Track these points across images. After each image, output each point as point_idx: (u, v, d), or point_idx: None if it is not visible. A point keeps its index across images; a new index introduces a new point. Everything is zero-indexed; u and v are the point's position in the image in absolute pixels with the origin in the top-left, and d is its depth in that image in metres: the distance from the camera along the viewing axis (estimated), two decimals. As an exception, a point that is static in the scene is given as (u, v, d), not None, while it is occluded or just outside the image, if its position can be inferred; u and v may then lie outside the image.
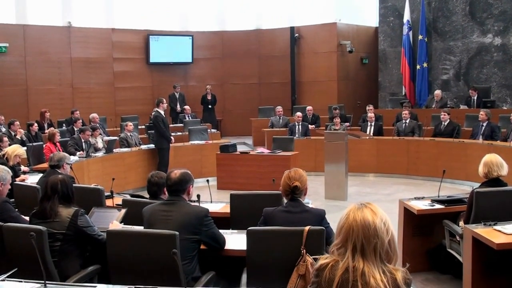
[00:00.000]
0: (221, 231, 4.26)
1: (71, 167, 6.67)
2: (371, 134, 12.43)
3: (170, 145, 11.12)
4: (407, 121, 12.34)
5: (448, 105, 14.40)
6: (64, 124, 13.44)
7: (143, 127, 13.78)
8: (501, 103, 14.83)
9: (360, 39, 17.30)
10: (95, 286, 3.39)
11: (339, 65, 16.84)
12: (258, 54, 17.94)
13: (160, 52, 17.23)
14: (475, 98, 14.01)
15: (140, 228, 4.18)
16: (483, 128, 11.03)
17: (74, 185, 4.64)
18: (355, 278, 2.34)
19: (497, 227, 4.51)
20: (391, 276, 2.35)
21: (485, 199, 4.96)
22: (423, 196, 6.16)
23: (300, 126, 12.88)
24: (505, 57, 14.92)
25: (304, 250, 3.61)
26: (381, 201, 9.27)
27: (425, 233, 6.01)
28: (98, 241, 4.27)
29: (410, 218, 5.92)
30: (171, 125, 12.70)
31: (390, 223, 2.43)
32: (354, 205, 2.47)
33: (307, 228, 3.70)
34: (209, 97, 16.31)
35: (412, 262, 5.83)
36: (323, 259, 2.45)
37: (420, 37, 15.69)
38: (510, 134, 10.53)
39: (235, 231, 4.74)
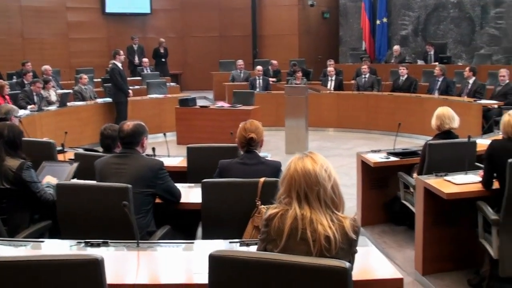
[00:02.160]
0: (177, 184, 4.22)
1: (20, 121, 6.42)
2: (332, 88, 12.46)
3: (128, 99, 10.93)
4: (367, 76, 12.41)
5: (406, 61, 14.51)
6: (14, 77, 12.84)
7: (99, 80, 13.42)
8: (457, 59, 15.02)
9: (321, -8, 17.18)
10: (43, 241, 3.33)
11: (301, 19, 16.72)
12: (219, 6, 17.65)
13: (116, 1, 16.74)
14: (432, 53, 14.15)
15: (92, 182, 4.10)
16: (439, 83, 11.18)
17: (23, 138, 4.48)
18: (304, 226, 2.37)
19: (448, 178, 4.62)
20: (339, 223, 2.39)
21: (437, 151, 5.07)
22: (379, 149, 6.22)
23: (261, 80, 12.81)
24: (461, 13, 15.04)
25: (259, 202, 3.62)
26: (341, 156, 9.39)
27: (381, 185, 6.12)
28: (39, 199, 4.14)
29: (367, 171, 6.01)
30: (129, 78, 12.44)
31: (332, 170, 2.46)
32: (296, 156, 2.50)
33: (262, 179, 3.69)
34: (162, 50, 16.00)
35: (370, 215, 6.04)
36: (272, 209, 2.48)
37: (380, -8, 15.68)
38: (464, 89, 10.70)
39: (192, 184, 4.70)
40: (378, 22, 15.80)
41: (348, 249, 2.39)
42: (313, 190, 2.40)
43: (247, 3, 17.11)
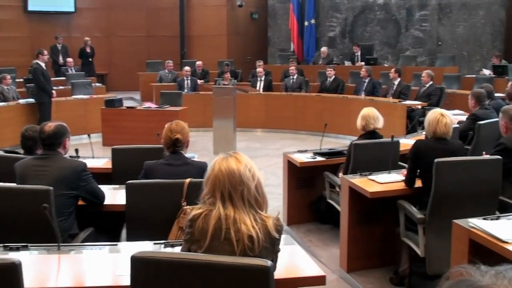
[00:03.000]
0: (101, 186, 4.13)
1: None
2: (261, 89, 12.52)
3: (52, 99, 10.60)
4: (295, 77, 12.53)
5: (334, 62, 14.76)
6: None
7: (21, 80, 12.95)
8: (383, 60, 15.42)
9: (250, -7, 17.24)
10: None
11: (229, 20, 16.72)
12: (146, 5, 17.37)
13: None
14: (359, 55, 14.46)
15: (12, 185, 3.95)
16: (365, 84, 11.44)
17: None
18: (227, 226, 2.38)
19: (372, 177, 4.71)
20: (262, 223, 2.41)
21: (361, 150, 5.18)
22: (306, 149, 6.29)
23: (189, 81, 12.72)
24: (387, 16, 15.46)
25: (185, 203, 3.58)
26: (269, 156, 9.44)
27: (308, 185, 6.18)
28: None
29: (294, 171, 6.06)
30: (52, 79, 12.05)
31: (256, 170, 2.49)
32: (220, 156, 2.50)
33: (187, 180, 3.66)
34: (88, 50, 15.63)
35: (296, 214, 6.09)
36: (196, 210, 2.47)
37: (308, -7, 15.88)
38: (389, 90, 10.99)
39: (117, 186, 4.61)
40: (306, 23, 15.98)
41: (271, 248, 2.41)
42: (237, 190, 2.42)
43: (175, 3, 16.93)
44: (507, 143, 4.60)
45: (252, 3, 17.29)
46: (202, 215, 2.43)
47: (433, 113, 4.46)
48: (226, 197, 2.42)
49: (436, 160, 4.00)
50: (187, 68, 13.04)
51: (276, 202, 6.53)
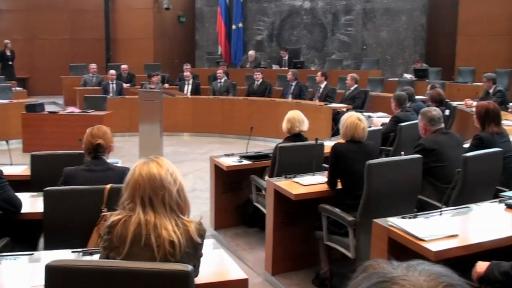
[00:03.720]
0: (19, 194, 3.96)
1: None
2: (189, 93, 12.43)
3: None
4: (222, 80, 12.51)
5: (262, 65, 14.85)
6: None
7: None
8: (310, 64, 15.64)
9: (176, -4, 17.10)
10: None
11: (156, 23, 16.51)
12: (69, 7, 16.87)
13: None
14: (286, 58, 14.59)
15: None
16: (292, 87, 11.56)
17: None
18: (148, 232, 2.34)
19: (296, 179, 4.74)
20: (184, 228, 2.38)
21: (287, 153, 5.19)
22: (232, 153, 6.27)
23: (114, 85, 12.45)
24: (313, 20, 15.71)
25: (105, 209, 3.48)
26: (196, 160, 9.37)
27: (235, 189, 6.16)
28: None
29: (221, 175, 6.02)
30: (-30, 83, 11.58)
31: (178, 174, 2.47)
32: (141, 161, 2.46)
33: (108, 186, 3.56)
34: (8, 53, 15.03)
35: (223, 218, 6.05)
36: (115, 216, 2.42)
37: (236, -3, 15.93)
38: (316, 93, 11.14)
39: (35, 193, 4.43)
40: (234, 27, 16.01)
41: (193, 253, 2.38)
42: (158, 195, 2.39)
43: (100, 5, 16.56)
44: (426, 144, 4.75)
45: (179, 6, 17.17)
46: (121, 221, 2.38)
47: (350, 118, 4.53)
48: (146, 202, 2.38)
49: (367, 162, 4.04)
50: (112, 71, 12.77)
51: (203, 207, 6.49)
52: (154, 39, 16.47)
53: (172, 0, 16.48)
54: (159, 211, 2.37)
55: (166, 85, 13.05)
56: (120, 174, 3.90)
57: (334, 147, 4.52)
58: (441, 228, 3.27)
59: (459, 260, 3.03)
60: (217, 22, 16.18)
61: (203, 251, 2.53)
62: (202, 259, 2.54)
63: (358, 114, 4.64)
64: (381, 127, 7.23)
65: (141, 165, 2.46)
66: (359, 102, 10.51)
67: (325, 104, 10.43)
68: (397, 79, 13.02)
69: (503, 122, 6.70)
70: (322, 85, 11.08)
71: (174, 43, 17.12)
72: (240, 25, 16.02)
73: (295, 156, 5.18)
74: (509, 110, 7.08)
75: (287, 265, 4.84)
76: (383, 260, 1.08)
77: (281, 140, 6.11)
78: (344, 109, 10.10)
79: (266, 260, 4.96)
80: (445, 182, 4.40)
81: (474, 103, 7.99)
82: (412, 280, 1.01)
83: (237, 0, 15.88)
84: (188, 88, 12.55)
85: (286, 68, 13.82)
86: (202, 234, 2.43)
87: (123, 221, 2.38)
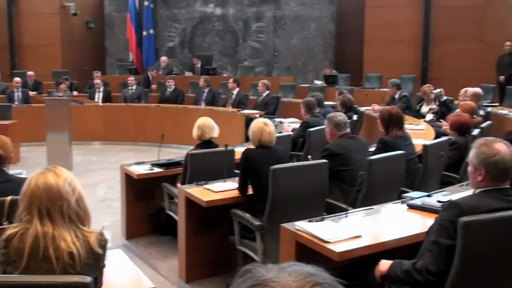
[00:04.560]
0: None
1: None
2: (100, 100, 12.17)
3: None
4: (134, 87, 12.33)
5: (174, 72, 14.75)
6: None
7: None
8: (222, 70, 15.68)
9: (84, 2, 16.55)
10: None
11: (63, 28, 15.97)
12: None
13: None
14: (199, 65, 14.56)
15: None
16: (205, 94, 11.58)
17: None
18: (46, 244, 2.27)
19: (207, 186, 4.74)
20: (84, 239, 2.31)
21: (198, 160, 5.19)
22: (144, 161, 6.18)
23: (19, 93, 11.99)
24: (225, 27, 15.78)
25: (6, 222, 3.33)
26: (108, 169, 9.17)
27: (146, 197, 6.06)
28: None
29: (132, 184, 5.91)
30: None
31: (77, 184, 2.40)
32: (37, 171, 2.38)
33: (9, 198, 3.41)
34: None
35: (136, 227, 5.95)
36: (12, 229, 2.33)
37: (146, 3, 15.69)
38: (229, 99, 11.20)
39: None
40: (144, 33, 15.80)
41: (94, 264, 2.32)
42: (55, 205, 2.32)
43: (2, 9, 15.82)
44: (332, 148, 4.87)
45: (88, 11, 16.74)
46: (17, 234, 2.29)
47: (257, 123, 4.60)
48: (44, 214, 2.31)
49: (271, 167, 4.09)
50: (17, 79, 12.31)
51: (115, 216, 6.37)
52: (62, 45, 15.93)
53: (80, 6, 16.01)
54: (58, 222, 2.30)
55: (75, 93, 12.70)
56: (21, 184, 3.75)
57: (244, 153, 4.56)
58: (345, 230, 3.35)
59: (367, 259, 3.15)
60: (127, 28, 15.90)
61: (112, 262, 2.48)
62: (110, 270, 2.49)
63: (266, 120, 4.71)
64: (291, 133, 7.35)
65: (38, 175, 2.39)
66: (271, 108, 10.65)
67: (238, 111, 10.50)
68: (308, 85, 13.26)
69: (407, 126, 7.04)
70: (235, 92, 11.16)
71: (83, 50, 16.64)
72: (151, 31, 15.83)
73: (206, 163, 5.18)
74: (443, 128, 7.38)
75: (201, 272, 4.83)
76: (259, 264, 1.12)
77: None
78: (257, 115, 10.20)
79: (179, 268, 4.93)
80: (351, 185, 4.52)
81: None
82: (282, 282, 1.06)
83: (147, 6, 15.69)
84: (99, 96, 12.30)
85: (199, 75, 13.78)
86: (103, 245, 2.37)
87: (19, 234, 2.30)
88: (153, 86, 13.40)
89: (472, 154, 2.90)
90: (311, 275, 1.09)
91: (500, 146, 2.84)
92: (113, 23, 16.44)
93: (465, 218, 2.63)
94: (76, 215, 2.33)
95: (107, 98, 12.30)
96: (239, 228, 4.41)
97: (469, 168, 2.93)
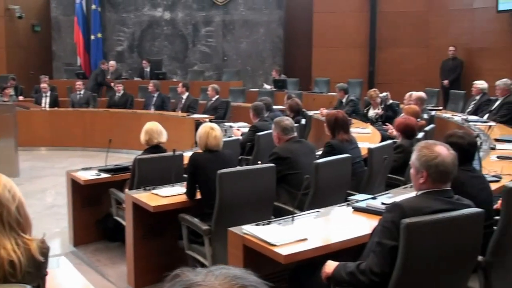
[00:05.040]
0: None
1: None
2: (47, 105, 11.95)
3: None
4: (82, 92, 12.16)
5: (123, 76, 14.60)
6: None
7: None
8: (172, 75, 15.63)
9: (30, 4, 16.17)
10: None
11: (8, 32, 15.55)
12: None
13: None
14: (148, 70, 14.46)
15: None
16: (154, 99, 11.53)
17: None
18: None
19: (155, 191, 4.74)
20: (25, 246, 2.28)
21: (146, 165, 5.19)
22: (91, 166, 6.12)
23: (-37, 98, 11.69)
24: (174, 31, 15.74)
25: None
26: (56, 175, 8.97)
27: (94, 203, 6.00)
28: None
29: (79, 190, 5.85)
30: None
31: (17, 191, 2.36)
32: None
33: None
34: None
35: (83, 234, 5.89)
36: None
37: (93, 7, 15.47)
38: (178, 104, 11.19)
39: None
40: (92, 37, 15.57)
41: (35, 272, 2.29)
42: None
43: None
44: (280, 152, 4.94)
45: (34, 15, 16.38)
46: (-44, 243, 2.23)
47: (204, 127, 4.65)
48: None
49: (218, 171, 4.13)
50: (-41, 83, 11.97)
51: (63, 223, 6.30)
52: (7, 49, 15.53)
53: (25, 9, 15.65)
54: None
55: (21, 98, 12.44)
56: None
57: (192, 157, 4.59)
58: (292, 233, 3.40)
59: (314, 262, 3.21)
60: (75, 32, 15.65)
61: (56, 269, 2.45)
62: (53, 278, 2.46)
63: (212, 124, 4.75)
64: (240, 137, 7.41)
65: None
66: (221, 112, 10.69)
67: (188, 115, 10.49)
68: (257, 89, 13.35)
69: (354, 130, 7.19)
70: (184, 96, 11.16)
71: (29, 54, 16.26)
72: (99, 35, 15.63)
73: (154, 168, 5.18)
74: (389, 131, 7.54)
75: (151, 278, 4.78)
76: (188, 268, 1.16)
77: (143, 152, 6.05)
78: (207, 120, 10.22)
79: (128, 274, 4.91)
80: (299, 189, 4.57)
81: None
82: (208, 285, 1.10)
83: (94, 10, 15.48)
84: (46, 101, 12.07)
85: (148, 80, 13.68)
86: (45, 253, 2.34)
87: None
88: (112, 83, 13.08)
89: (413, 157, 2.96)
90: (237, 278, 1.12)
91: (441, 149, 2.91)
92: (60, 26, 16.15)
93: (407, 220, 2.68)
94: (16, 223, 2.29)
95: (54, 103, 12.08)
96: (188, 232, 4.43)
97: (411, 171, 2.99)
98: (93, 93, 12.49)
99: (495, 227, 3.36)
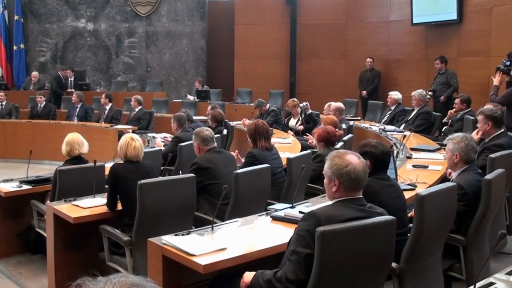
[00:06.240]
0: None
1: None
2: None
3: None
4: (4, 103, 11.93)
5: (46, 87, 14.40)
6: None
7: None
8: (96, 85, 15.55)
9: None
10: None
11: None
12: None
13: None
14: (72, 79, 14.27)
15: None
16: (78, 109, 11.46)
17: None
18: None
19: (76, 202, 4.75)
20: None
21: (67, 176, 5.20)
22: (12, 178, 6.08)
23: None
24: (97, 42, 15.66)
25: None
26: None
27: (15, 215, 5.96)
28: None
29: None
30: None
31: None
32: None
33: None
34: None
35: (4, 246, 5.83)
36: None
37: (16, 17, 15.24)
38: (101, 115, 11.17)
39: None
40: (15, 48, 15.33)
41: None
42: None
43: None
44: (200, 162, 5.09)
45: None
46: None
47: (124, 138, 4.75)
48: None
49: (139, 182, 4.20)
50: None
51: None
52: None
53: None
54: None
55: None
56: None
57: (112, 168, 4.66)
58: (211, 243, 3.49)
59: (235, 271, 3.28)
60: (-4, 42, 15.33)
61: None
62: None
63: (133, 135, 4.84)
64: (163, 148, 7.50)
65: None
66: (144, 123, 10.76)
67: (111, 126, 10.49)
68: (181, 100, 13.46)
69: (275, 140, 7.37)
70: (107, 107, 11.17)
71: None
72: (22, 46, 15.37)
73: (76, 179, 5.20)
74: (309, 141, 7.68)
75: (70, 290, 4.81)
76: (89, 278, 1.26)
77: (66, 164, 6.06)
78: (130, 130, 10.25)
79: (49, 286, 4.86)
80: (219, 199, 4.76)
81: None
82: None
83: (17, 20, 15.22)
84: (-36, 112, 11.76)
85: (72, 90, 13.54)
86: None
87: None
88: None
89: (326, 166, 3.05)
90: (134, 285, 1.19)
91: (352, 157, 3.02)
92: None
93: (321, 228, 2.72)
94: None
95: (-27, 115, 11.79)
96: (109, 244, 4.45)
97: (325, 180, 3.08)
98: (15, 104, 12.22)
99: (409, 234, 3.50)
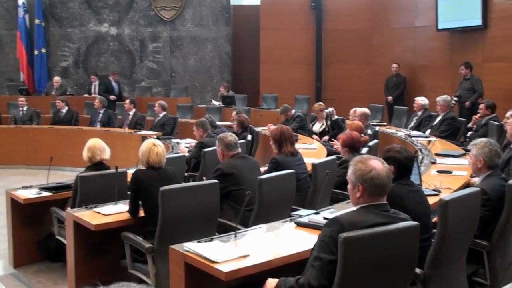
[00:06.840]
0: None
1: None
2: (-13, 123, 11.62)
3: None
4: (25, 108, 11.88)
5: (68, 93, 14.36)
6: None
7: None
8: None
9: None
10: None
11: None
12: None
13: None
14: (97, 83, 14.20)
15: None
16: (100, 115, 11.35)
17: None
18: None
19: (97, 209, 4.66)
20: None
21: (88, 183, 5.09)
22: (31, 184, 5.95)
23: None
24: (121, 47, 15.59)
25: None
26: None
27: (35, 222, 5.83)
28: None
29: (18, 209, 5.68)
30: None
31: None
32: None
33: None
34: None
35: (24, 254, 5.71)
36: None
37: (37, 21, 15.17)
38: (125, 120, 11.07)
39: None
40: (36, 52, 15.27)
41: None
42: None
43: None
44: (224, 168, 4.94)
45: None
46: None
47: (146, 144, 4.62)
48: None
49: (161, 188, 4.09)
50: None
51: (3, 244, 6.07)
52: None
53: (-35, 23, 15.29)
54: None
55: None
56: None
57: (134, 174, 4.55)
58: (234, 250, 3.41)
59: (258, 278, 3.19)
60: (17, 47, 15.29)
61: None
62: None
63: (155, 140, 4.74)
64: (187, 153, 7.36)
65: None
66: (168, 128, 10.62)
67: (135, 131, 10.37)
68: (205, 105, 13.35)
69: (300, 146, 7.25)
70: (131, 113, 11.05)
71: (-31, 69, 15.85)
72: (43, 50, 15.33)
73: (97, 186, 5.09)
74: (335, 147, 7.56)
75: (93, 299, 4.68)
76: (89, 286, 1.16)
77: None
78: (154, 136, 10.12)
79: (69, 295, 4.77)
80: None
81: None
82: None
83: (38, 24, 15.18)
84: (-14, 118, 11.73)
85: (96, 95, 13.45)
86: None
87: None
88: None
89: (350, 172, 3.02)
90: None
91: (375, 163, 2.97)
92: (2, 41, 15.73)
93: (344, 234, 2.70)
94: None
95: (-6, 120, 11.76)
96: (131, 251, 4.36)
97: (348, 186, 3.04)
98: (37, 110, 12.16)
99: (433, 240, 3.43)
